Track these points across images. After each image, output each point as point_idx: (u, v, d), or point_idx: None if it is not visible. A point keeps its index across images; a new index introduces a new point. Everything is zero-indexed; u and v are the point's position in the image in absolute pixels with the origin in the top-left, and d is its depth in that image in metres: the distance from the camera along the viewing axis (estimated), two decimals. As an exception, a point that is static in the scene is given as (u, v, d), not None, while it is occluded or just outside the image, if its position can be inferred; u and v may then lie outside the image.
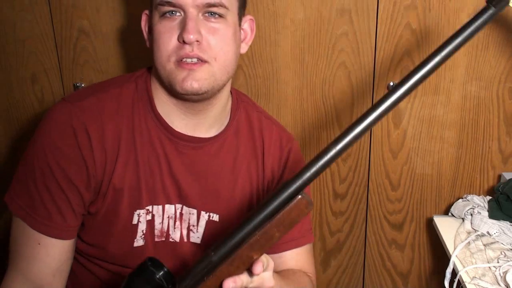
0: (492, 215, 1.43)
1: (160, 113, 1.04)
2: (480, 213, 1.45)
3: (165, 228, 1.06)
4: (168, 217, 1.06)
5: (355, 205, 1.67)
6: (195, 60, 0.96)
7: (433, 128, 1.56)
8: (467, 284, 1.22)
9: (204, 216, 1.09)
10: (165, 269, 0.69)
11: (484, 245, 1.36)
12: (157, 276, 0.68)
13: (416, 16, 1.46)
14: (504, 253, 1.31)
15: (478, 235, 1.41)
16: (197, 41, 0.95)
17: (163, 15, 0.97)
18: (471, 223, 1.45)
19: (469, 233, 1.43)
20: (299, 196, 0.68)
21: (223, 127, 1.10)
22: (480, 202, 1.52)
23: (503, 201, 1.43)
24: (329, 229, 1.71)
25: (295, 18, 1.49)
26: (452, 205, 1.56)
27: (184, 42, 0.94)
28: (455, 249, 1.36)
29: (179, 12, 0.96)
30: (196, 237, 1.10)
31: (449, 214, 1.56)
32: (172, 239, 1.08)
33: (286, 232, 0.70)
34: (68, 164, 0.97)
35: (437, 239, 1.54)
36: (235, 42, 1.01)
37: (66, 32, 1.57)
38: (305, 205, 0.69)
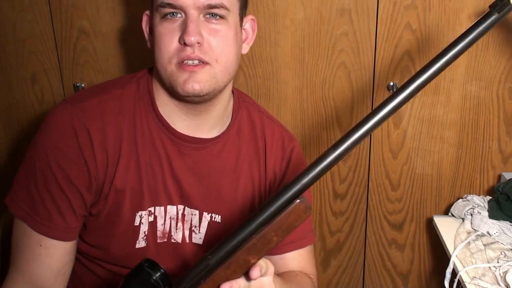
0: (492, 215, 1.43)
1: (162, 114, 1.04)
2: (480, 213, 1.45)
3: (167, 229, 1.06)
4: (170, 218, 1.06)
5: (355, 205, 1.67)
6: (196, 62, 0.95)
7: (433, 128, 1.56)
8: (467, 284, 1.22)
9: (206, 217, 1.09)
10: (162, 271, 0.69)
11: (484, 245, 1.36)
12: (153, 278, 0.68)
13: (416, 16, 1.46)
14: (504, 253, 1.31)
15: (478, 235, 1.41)
16: (198, 43, 0.94)
17: (164, 16, 0.97)
18: (471, 223, 1.45)
19: (469, 233, 1.43)
20: (298, 200, 0.68)
21: (225, 128, 1.09)
22: (480, 202, 1.52)
23: (503, 201, 1.43)
24: (329, 229, 1.71)
25: (295, 18, 1.49)
26: (452, 205, 1.57)
27: (185, 44, 0.94)
28: (455, 249, 1.36)
29: (180, 14, 0.96)
30: (198, 238, 1.09)
31: (449, 214, 1.56)
32: (174, 240, 1.08)
33: (284, 237, 0.70)
34: (69, 165, 0.97)
35: (437, 239, 1.54)
36: (236, 43, 1.01)
37: (66, 32, 1.57)
38: (303, 209, 0.69)
